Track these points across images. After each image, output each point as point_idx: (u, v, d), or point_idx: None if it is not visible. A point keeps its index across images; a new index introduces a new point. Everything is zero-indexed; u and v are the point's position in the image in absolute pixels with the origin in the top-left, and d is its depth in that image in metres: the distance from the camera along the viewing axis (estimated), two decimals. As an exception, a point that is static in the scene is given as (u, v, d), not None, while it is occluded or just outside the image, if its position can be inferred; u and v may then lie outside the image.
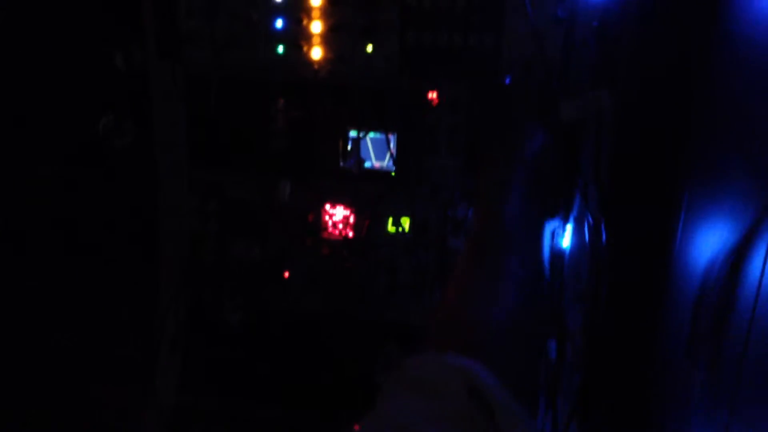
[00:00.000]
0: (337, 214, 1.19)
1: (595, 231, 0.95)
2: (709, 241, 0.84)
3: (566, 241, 1.07)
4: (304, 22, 1.08)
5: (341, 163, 1.16)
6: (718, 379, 0.78)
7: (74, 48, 1.18)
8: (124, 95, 1.18)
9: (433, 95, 1.10)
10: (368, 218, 1.18)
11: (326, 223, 1.20)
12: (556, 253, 1.05)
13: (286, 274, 1.22)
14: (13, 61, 1.20)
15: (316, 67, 1.10)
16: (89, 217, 1.28)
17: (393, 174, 1.15)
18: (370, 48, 1.08)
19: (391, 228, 1.19)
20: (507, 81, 1.04)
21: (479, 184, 0.93)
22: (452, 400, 0.63)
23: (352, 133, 1.14)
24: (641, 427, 1.02)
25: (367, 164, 1.16)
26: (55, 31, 1.17)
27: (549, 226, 0.89)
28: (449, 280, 0.83)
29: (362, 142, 1.14)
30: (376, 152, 1.16)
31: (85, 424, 1.25)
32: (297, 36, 1.09)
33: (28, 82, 1.22)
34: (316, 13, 1.08)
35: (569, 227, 1.06)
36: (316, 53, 1.10)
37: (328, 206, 1.19)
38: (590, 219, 0.97)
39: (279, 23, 1.09)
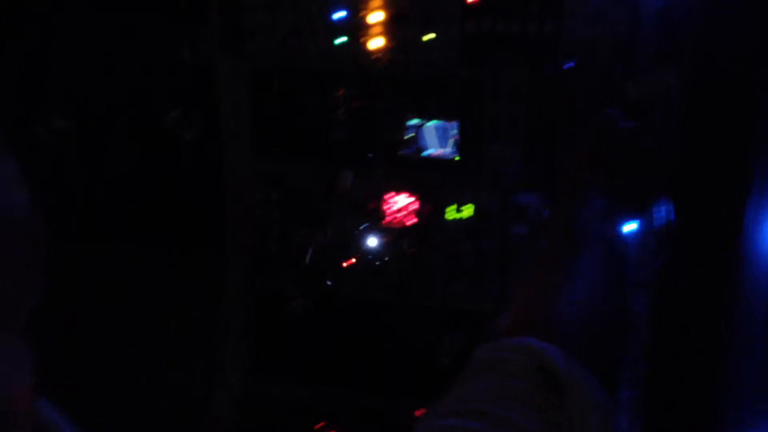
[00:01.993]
0: (399, 201, 1.20)
1: (664, 215, 0.94)
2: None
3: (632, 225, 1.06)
4: (364, 12, 1.09)
5: (402, 151, 1.17)
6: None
7: (144, 43, 1.22)
8: (192, 88, 1.22)
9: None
10: (430, 205, 1.19)
11: (388, 210, 1.21)
12: (624, 238, 1.04)
13: (349, 262, 1.24)
14: (86, 56, 1.25)
15: (376, 57, 1.11)
16: (159, 206, 1.32)
17: (454, 161, 1.16)
18: (429, 37, 1.09)
19: (452, 215, 1.19)
20: (567, 67, 1.03)
21: (550, 176, 0.93)
22: (522, 378, 0.63)
23: (413, 122, 1.15)
24: (709, 417, 1.00)
25: (429, 152, 1.16)
26: (125, 27, 1.21)
27: (622, 220, 0.89)
28: (523, 283, 0.83)
29: (423, 130, 1.15)
30: (438, 140, 1.16)
31: (158, 408, 1.30)
32: (357, 27, 1.10)
33: (100, 77, 1.26)
34: (376, 4, 1.08)
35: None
36: (377, 43, 1.11)
37: (389, 194, 1.20)
38: (660, 203, 0.95)
39: (340, 15, 1.10)
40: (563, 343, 0.67)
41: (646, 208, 0.98)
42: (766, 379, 0.80)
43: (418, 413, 1.20)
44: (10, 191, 0.41)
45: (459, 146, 1.14)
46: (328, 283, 1.24)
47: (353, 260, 1.24)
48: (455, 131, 1.14)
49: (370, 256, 1.22)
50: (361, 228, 1.20)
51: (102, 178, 1.31)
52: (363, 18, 1.10)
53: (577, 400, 0.62)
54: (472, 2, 1.05)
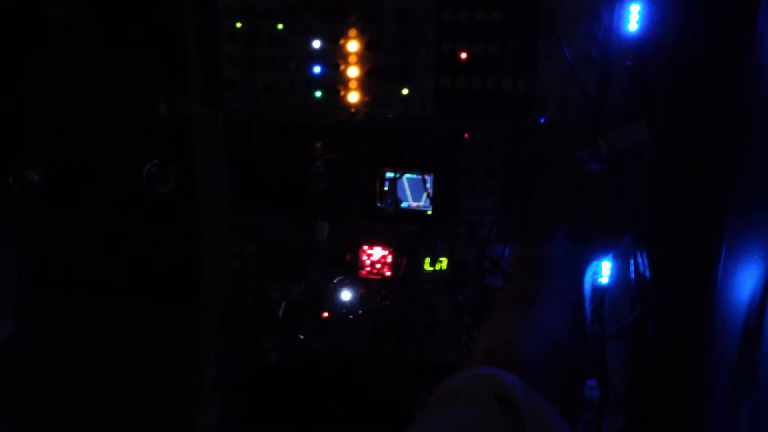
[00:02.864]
0: (375, 253, 1.21)
1: (638, 267, 0.95)
2: (753, 274, 0.84)
3: (605, 279, 1.07)
4: (341, 67, 1.11)
5: (378, 204, 1.18)
6: (761, 414, 0.77)
7: (120, 95, 1.22)
8: (168, 141, 1.22)
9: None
10: (405, 257, 1.19)
11: (364, 262, 1.21)
12: (597, 290, 1.05)
13: (325, 314, 1.24)
14: (61, 107, 1.24)
15: (353, 110, 1.13)
16: (133, 259, 1.31)
17: (429, 213, 1.17)
18: (405, 91, 1.11)
19: (428, 267, 1.20)
20: (542, 121, 1.06)
21: (521, 224, 0.94)
22: (480, 406, 0.63)
23: (389, 174, 1.16)
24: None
25: (404, 204, 1.17)
26: (102, 80, 1.22)
27: (590, 262, 0.89)
28: (487, 319, 0.83)
29: (399, 183, 1.16)
30: (413, 193, 1.17)
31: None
32: (334, 81, 1.12)
33: (74, 128, 1.26)
34: (352, 59, 1.10)
35: (608, 264, 1.06)
36: (353, 97, 1.12)
37: (365, 246, 1.21)
38: (635, 254, 0.97)
39: (317, 69, 1.12)
40: (523, 373, 0.67)
41: (613, 251, 0.99)
42: (752, 427, 0.81)
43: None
44: None
45: (434, 199, 1.16)
46: (300, 336, 1.23)
47: (327, 313, 1.23)
48: (430, 184, 1.15)
49: (345, 309, 1.21)
50: (335, 280, 1.20)
51: (75, 231, 1.30)
52: (340, 72, 1.11)
53: (535, 426, 0.62)
54: (464, 59, 1.06)
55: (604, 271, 1.07)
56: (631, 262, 1.00)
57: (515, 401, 0.63)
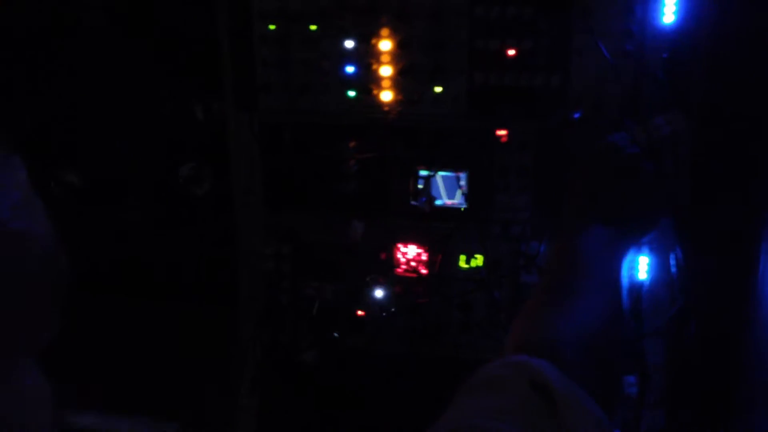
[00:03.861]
0: (410, 251, 1.21)
1: (678, 261, 0.94)
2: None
3: (643, 274, 1.06)
4: (374, 66, 1.11)
5: (412, 202, 1.18)
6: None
7: (157, 100, 1.24)
8: (204, 145, 1.23)
9: (502, 133, 1.12)
10: (440, 255, 1.19)
11: (399, 261, 1.21)
12: (634, 286, 1.04)
13: (360, 313, 1.24)
14: (98, 111, 1.27)
15: (386, 109, 1.13)
16: (171, 261, 1.32)
17: (464, 211, 1.17)
18: (438, 89, 1.11)
19: (463, 264, 1.20)
20: (576, 116, 1.05)
21: (557, 219, 0.93)
22: (515, 394, 0.63)
23: (423, 172, 1.17)
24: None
25: (438, 202, 1.17)
26: (137, 82, 1.24)
27: (627, 260, 0.88)
28: (522, 309, 0.83)
29: (433, 181, 1.16)
30: (447, 190, 1.17)
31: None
32: (367, 81, 1.12)
33: (111, 132, 1.28)
34: (385, 58, 1.11)
35: (646, 259, 1.05)
36: (386, 96, 1.13)
37: (400, 244, 1.21)
38: (677, 251, 0.96)
39: (350, 69, 1.12)
40: (561, 362, 0.67)
41: (651, 239, 0.98)
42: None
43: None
44: (37, 220, 0.42)
45: (468, 196, 1.15)
46: (335, 335, 1.24)
47: (363, 312, 1.24)
48: (464, 181, 1.15)
49: (380, 308, 1.22)
50: (371, 279, 1.21)
51: (114, 234, 1.32)
52: (373, 72, 1.12)
53: (571, 415, 0.61)
54: (511, 55, 1.06)
55: (641, 266, 1.06)
56: (672, 257, 0.99)
57: (550, 388, 0.62)
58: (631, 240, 0.89)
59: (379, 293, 1.20)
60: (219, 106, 1.17)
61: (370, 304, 1.22)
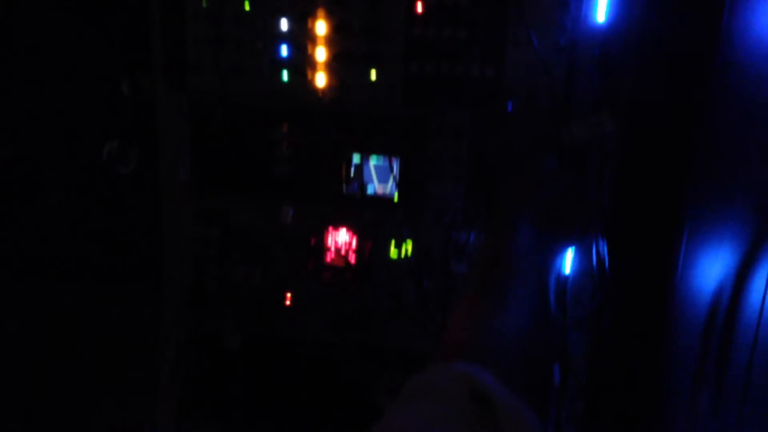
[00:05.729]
0: (340, 238, 1.20)
1: (599, 255, 0.97)
2: (714, 266, 0.85)
3: (567, 267, 1.08)
4: (309, 50, 1.10)
5: (344, 188, 1.17)
6: (724, 405, 0.78)
7: (82, 74, 1.19)
8: (130, 122, 1.19)
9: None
10: (371, 242, 1.19)
11: (329, 247, 1.20)
12: (560, 279, 1.06)
13: (288, 299, 1.23)
14: (21, 85, 1.21)
15: (320, 93, 1.12)
16: (93, 241, 1.28)
17: (395, 199, 1.17)
18: (373, 75, 1.10)
19: (393, 253, 1.20)
20: (509, 108, 1.06)
21: (488, 212, 0.94)
22: (455, 403, 0.62)
23: (355, 159, 1.16)
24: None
25: (370, 189, 1.17)
26: (63, 57, 1.19)
27: (555, 254, 0.90)
28: (454, 309, 0.83)
29: (365, 168, 1.16)
30: (379, 177, 1.17)
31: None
32: (302, 63, 1.11)
33: (35, 106, 1.23)
34: (320, 41, 1.09)
35: (570, 252, 1.07)
36: (321, 80, 1.11)
37: (330, 231, 1.20)
38: (596, 243, 0.98)
39: (284, 51, 1.10)
40: (493, 368, 0.67)
41: (579, 241, 1.00)
42: (712, 417, 0.82)
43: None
44: None
45: (400, 184, 1.15)
46: (262, 321, 1.22)
47: (291, 298, 1.22)
48: (397, 169, 1.15)
49: (308, 294, 1.21)
50: (300, 265, 1.19)
51: (35, 211, 1.27)
52: (308, 55, 1.10)
53: (512, 427, 0.61)
54: (420, 13, 1.06)
55: (567, 258, 1.08)
56: (593, 250, 1.01)
57: (491, 399, 0.62)
58: (560, 245, 0.91)
59: (309, 280, 1.19)
60: (148, 83, 1.14)
61: (299, 290, 1.21)
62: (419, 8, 1.06)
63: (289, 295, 1.23)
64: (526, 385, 0.70)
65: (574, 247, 1.07)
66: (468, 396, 0.63)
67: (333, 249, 1.21)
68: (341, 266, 1.20)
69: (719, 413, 0.78)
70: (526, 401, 0.64)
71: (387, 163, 1.15)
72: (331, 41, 1.09)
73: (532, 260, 0.84)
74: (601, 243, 1.00)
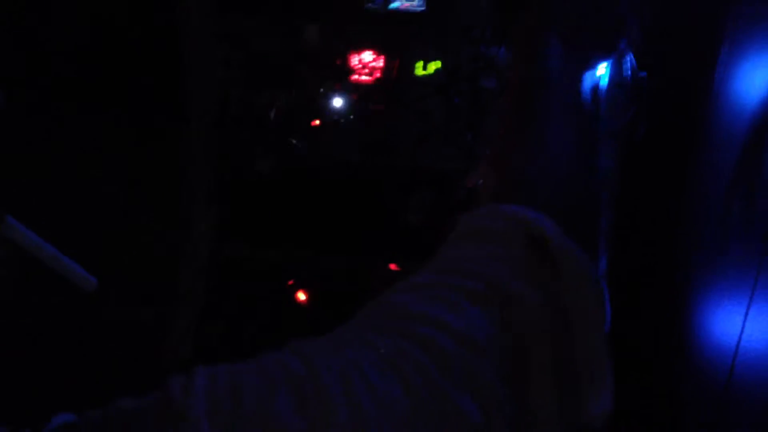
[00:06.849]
0: (366, 57, 1.16)
1: (634, 66, 0.92)
2: (756, 76, 0.81)
3: (600, 72, 1.04)
4: None
5: (368, 4, 1.12)
6: (756, 217, 0.77)
7: None
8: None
9: None
10: (398, 61, 1.15)
11: (355, 67, 1.17)
12: (595, 90, 1.02)
13: (316, 122, 1.22)
14: None
15: None
16: (114, 72, 1.26)
17: (422, 14, 1.11)
18: None
19: (420, 71, 1.16)
20: None
21: (515, 27, 0.89)
22: (513, 246, 0.60)
23: (378, -28, 1.10)
24: (675, 259, 1.03)
25: (395, 4, 1.11)
26: None
27: (590, 65, 0.86)
28: (492, 148, 0.80)
29: (389, -19, 1.10)
30: (404, -10, 1.11)
31: (122, 270, 1.30)
32: None
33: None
34: None
35: (605, 63, 1.03)
36: None
37: (355, 50, 1.16)
38: (630, 57, 0.93)
39: None
40: (544, 207, 0.64)
41: (610, 52, 0.96)
42: (741, 223, 0.82)
43: (392, 266, 1.22)
44: None
45: (426, -2, 1.10)
46: (294, 142, 1.22)
47: (319, 120, 1.21)
48: (422, -19, 1.09)
49: (336, 116, 1.19)
50: (326, 86, 1.17)
51: (54, 40, 1.24)
52: None
53: (571, 272, 0.59)
54: None
55: (600, 69, 1.03)
56: (626, 61, 0.97)
57: (549, 244, 0.60)
58: (590, 59, 0.86)
59: (335, 101, 1.17)
60: None
61: (326, 112, 1.19)
62: None
63: (316, 117, 1.21)
64: (572, 221, 0.68)
65: (608, 59, 1.02)
66: (526, 240, 0.60)
67: (359, 68, 1.17)
68: (368, 86, 1.18)
69: (750, 224, 0.77)
70: (575, 239, 0.63)
71: (411, -26, 1.09)
72: None
73: (560, 80, 0.81)
74: (631, 55, 0.95)
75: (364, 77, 1.17)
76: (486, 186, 0.75)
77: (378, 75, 1.17)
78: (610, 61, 1.03)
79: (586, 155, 0.79)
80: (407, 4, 1.11)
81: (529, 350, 0.55)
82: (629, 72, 0.96)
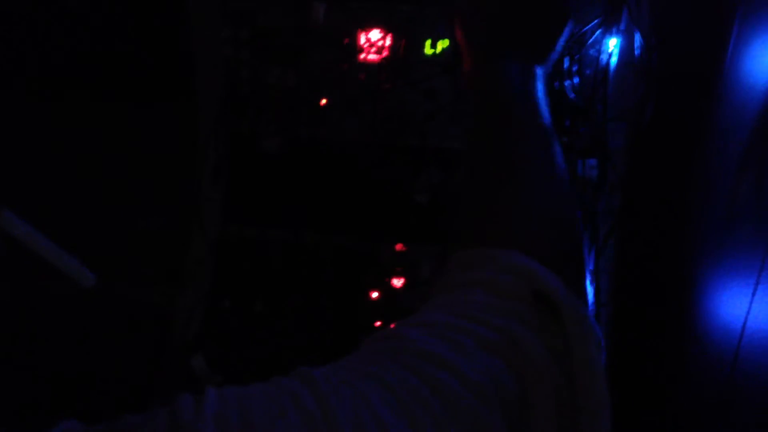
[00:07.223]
0: (373, 36, 1.16)
1: (643, 46, 0.91)
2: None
3: (610, 56, 1.03)
4: None
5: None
6: (764, 191, 0.77)
7: None
8: None
9: None
10: (405, 39, 1.14)
11: (362, 46, 1.16)
12: (600, 69, 1.01)
13: (324, 100, 1.21)
14: None
15: None
16: (123, 51, 1.26)
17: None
18: None
19: (428, 50, 1.15)
20: None
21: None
22: (518, 300, 0.60)
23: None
24: (683, 239, 1.03)
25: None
26: None
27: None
28: (464, 198, 0.78)
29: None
30: (412, -32, 1.10)
31: (131, 253, 1.30)
32: None
33: None
34: None
35: (615, 41, 1.02)
36: None
37: (363, 28, 1.15)
38: (639, 32, 0.92)
39: None
40: (545, 254, 0.64)
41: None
42: (734, 200, 0.81)
43: (398, 247, 1.22)
44: None
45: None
46: (301, 122, 1.22)
47: (326, 99, 1.21)
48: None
49: (343, 95, 1.19)
50: (334, 64, 1.16)
51: (56, 26, 1.24)
52: None
53: (576, 330, 0.59)
54: None
55: (610, 48, 1.02)
56: (636, 38, 0.96)
57: (555, 301, 0.60)
58: (541, 65, 0.83)
59: (342, 79, 1.16)
60: None
61: (334, 91, 1.19)
62: None
63: (324, 96, 1.21)
64: (561, 250, 0.67)
65: (618, 34, 1.01)
66: (531, 295, 0.60)
67: (367, 47, 1.16)
68: (376, 64, 1.17)
69: (759, 205, 0.77)
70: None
71: (419, -49, 1.08)
72: None
73: (524, 90, 0.78)
74: (642, 30, 0.94)
75: (371, 56, 1.16)
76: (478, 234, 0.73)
77: (386, 54, 1.16)
78: (620, 38, 1.02)
79: (566, 185, 0.77)
80: (415, -19, 1.10)
81: (534, 401, 0.55)
82: (638, 51, 0.95)
